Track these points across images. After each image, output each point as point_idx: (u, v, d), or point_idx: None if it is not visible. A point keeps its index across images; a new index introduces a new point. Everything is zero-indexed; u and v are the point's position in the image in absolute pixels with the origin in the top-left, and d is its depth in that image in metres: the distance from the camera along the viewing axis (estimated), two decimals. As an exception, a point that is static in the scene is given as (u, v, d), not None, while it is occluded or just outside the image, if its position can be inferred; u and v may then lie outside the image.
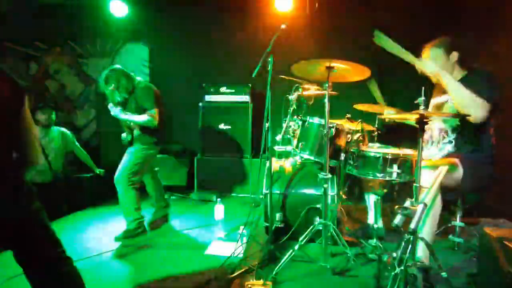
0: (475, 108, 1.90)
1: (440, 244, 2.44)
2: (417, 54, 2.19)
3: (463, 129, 2.11)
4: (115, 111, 2.70)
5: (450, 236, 2.41)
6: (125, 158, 2.79)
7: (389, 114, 2.43)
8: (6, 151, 1.29)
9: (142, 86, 2.78)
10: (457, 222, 2.36)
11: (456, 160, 2.02)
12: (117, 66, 2.80)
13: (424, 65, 2.06)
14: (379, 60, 2.98)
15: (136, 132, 2.82)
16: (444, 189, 1.93)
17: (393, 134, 3.08)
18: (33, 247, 1.34)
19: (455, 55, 2.13)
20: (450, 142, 2.17)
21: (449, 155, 2.14)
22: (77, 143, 3.78)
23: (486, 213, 2.81)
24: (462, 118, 2.06)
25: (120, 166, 2.76)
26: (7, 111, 1.28)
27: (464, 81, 2.09)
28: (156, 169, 3.22)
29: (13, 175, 1.30)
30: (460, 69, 2.16)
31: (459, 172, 2.00)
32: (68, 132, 3.75)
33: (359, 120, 2.34)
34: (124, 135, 2.87)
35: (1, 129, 1.27)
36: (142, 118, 2.71)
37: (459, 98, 1.96)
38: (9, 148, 1.31)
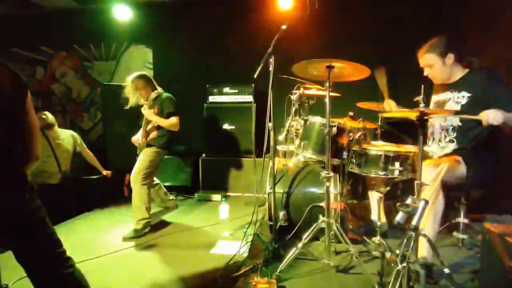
0: None
1: (445, 240, 2.45)
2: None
3: (464, 128, 2.10)
4: (148, 111, 2.91)
5: (455, 233, 2.41)
6: (140, 159, 2.94)
7: (390, 112, 2.43)
8: (9, 145, 1.25)
9: (166, 96, 2.99)
10: (461, 218, 2.36)
11: (459, 158, 2.02)
12: (145, 73, 3.02)
13: (490, 118, 1.80)
14: (380, 59, 2.98)
15: (152, 135, 2.98)
16: (447, 187, 1.92)
17: (396, 130, 3.08)
18: (32, 245, 1.30)
19: (450, 57, 2.08)
20: (452, 141, 2.16)
21: (452, 152, 2.13)
22: (84, 145, 3.84)
23: (491, 209, 2.80)
24: (462, 118, 2.04)
25: (135, 167, 2.91)
26: (10, 104, 1.25)
27: (468, 79, 2.08)
28: None
29: (16, 169, 1.27)
30: (461, 68, 2.13)
31: (462, 170, 1.99)
32: (76, 134, 3.82)
33: (361, 119, 2.35)
34: (137, 137, 3.01)
35: (4, 122, 1.24)
36: (168, 121, 2.91)
37: None
38: (12, 142, 1.27)
